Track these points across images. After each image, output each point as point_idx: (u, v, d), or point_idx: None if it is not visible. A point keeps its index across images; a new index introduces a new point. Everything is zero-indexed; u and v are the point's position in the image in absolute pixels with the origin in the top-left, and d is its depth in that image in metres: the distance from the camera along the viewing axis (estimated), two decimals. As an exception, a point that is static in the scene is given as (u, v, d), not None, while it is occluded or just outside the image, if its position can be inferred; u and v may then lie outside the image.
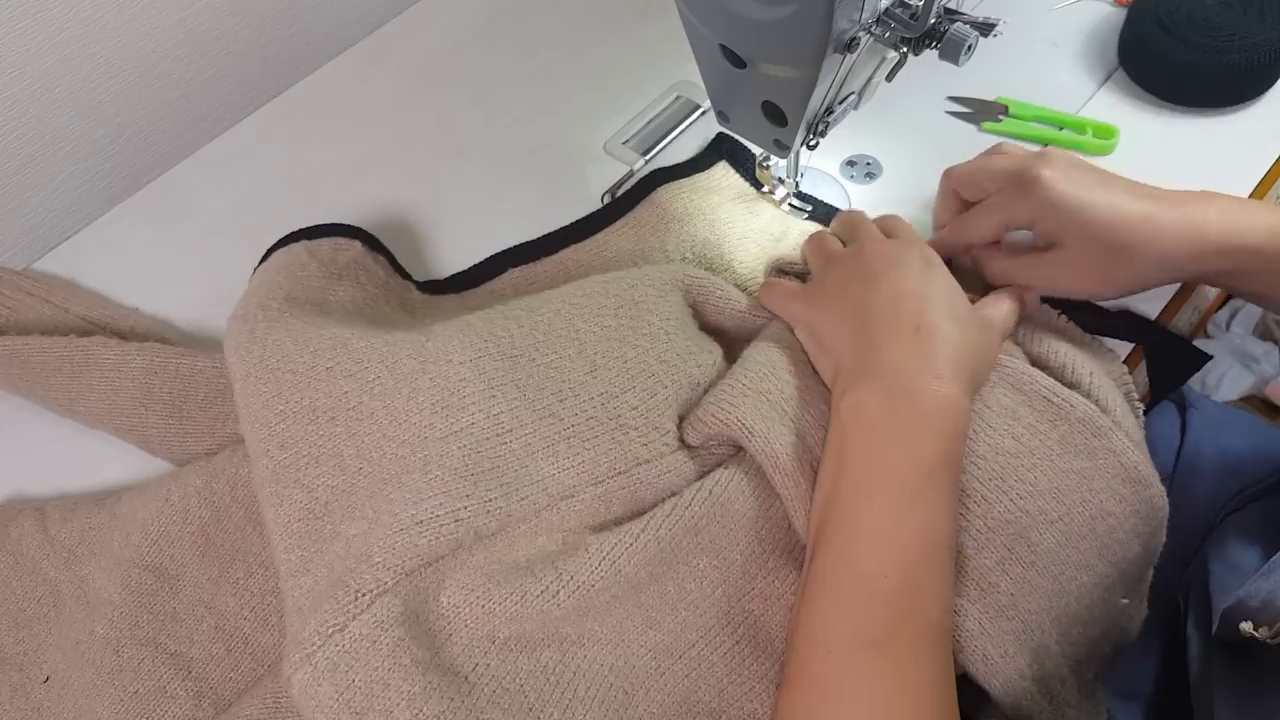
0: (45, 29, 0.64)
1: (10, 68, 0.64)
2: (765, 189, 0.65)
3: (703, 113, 0.71)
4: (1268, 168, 0.63)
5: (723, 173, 0.67)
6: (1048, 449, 0.47)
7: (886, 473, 0.43)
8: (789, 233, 0.62)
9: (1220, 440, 0.67)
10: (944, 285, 0.49)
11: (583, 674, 0.44)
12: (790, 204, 0.64)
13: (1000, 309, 0.52)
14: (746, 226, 0.63)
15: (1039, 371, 0.50)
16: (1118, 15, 0.71)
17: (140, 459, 0.58)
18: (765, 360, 0.51)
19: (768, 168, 0.63)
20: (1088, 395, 0.49)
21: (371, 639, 0.41)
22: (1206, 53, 0.63)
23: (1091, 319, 0.55)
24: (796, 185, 0.63)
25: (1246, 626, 0.48)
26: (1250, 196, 0.62)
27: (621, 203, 0.66)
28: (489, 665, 0.42)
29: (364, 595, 0.41)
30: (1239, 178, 0.62)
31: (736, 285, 0.58)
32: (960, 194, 0.56)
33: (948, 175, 0.57)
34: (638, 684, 0.44)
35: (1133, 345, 0.56)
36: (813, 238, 0.57)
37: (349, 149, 0.73)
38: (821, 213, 0.63)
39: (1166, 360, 0.56)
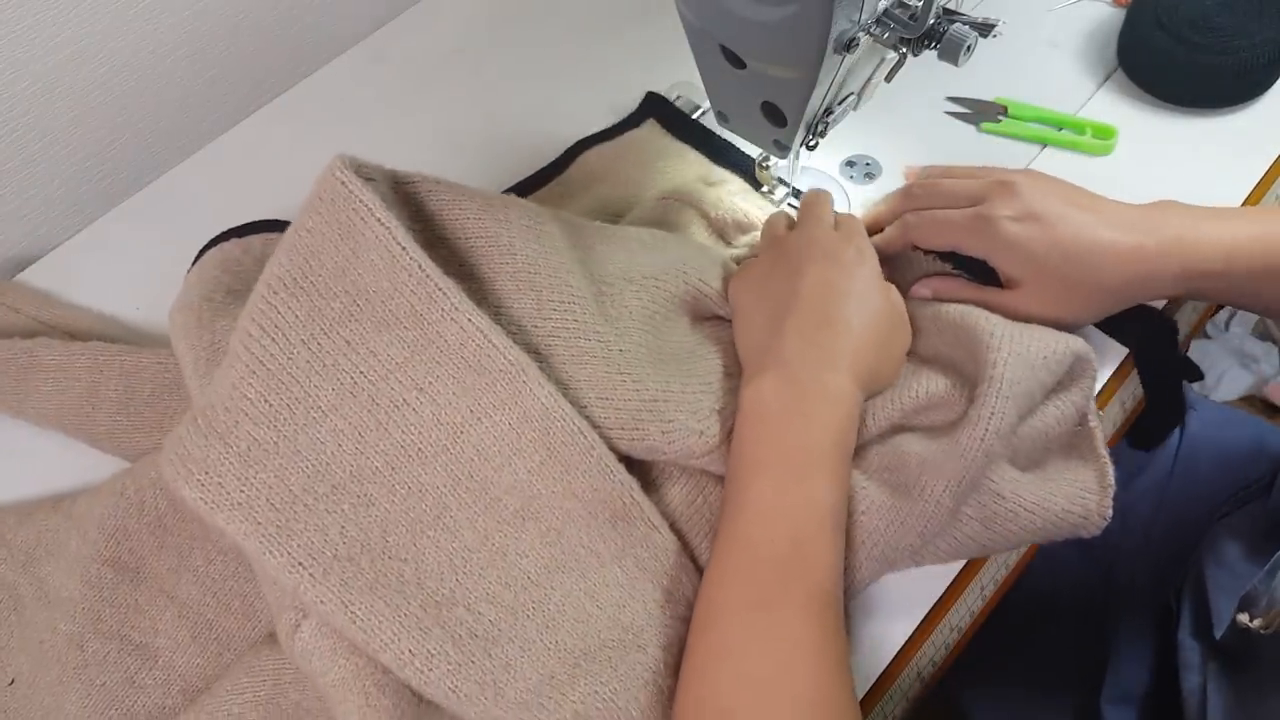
0: (45, 29, 0.64)
1: (10, 68, 0.64)
2: (765, 189, 0.65)
3: (703, 113, 0.71)
4: (1267, 168, 0.63)
5: (649, 130, 0.69)
6: None
7: (776, 453, 0.45)
8: (724, 183, 0.63)
9: (1218, 442, 0.67)
10: (866, 280, 0.50)
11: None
12: (790, 204, 0.64)
13: (893, 290, 0.52)
14: (678, 175, 0.64)
15: None
16: (1117, 15, 0.71)
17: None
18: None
19: (767, 168, 0.63)
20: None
21: None
22: (1206, 53, 0.63)
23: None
24: (796, 185, 0.63)
25: (1243, 618, 0.49)
26: (1248, 197, 0.62)
27: (550, 169, 0.68)
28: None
29: None
30: (1238, 178, 0.63)
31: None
32: (919, 202, 0.56)
33: (912, 179, 0.59)
34: None
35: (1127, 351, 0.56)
36: (768, 219, 0.58)
37: (349, 149, 0.73)
38: (821, 213, 0.63)
39: (1159, 366, 0.56)
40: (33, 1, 0.63)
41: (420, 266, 0.43)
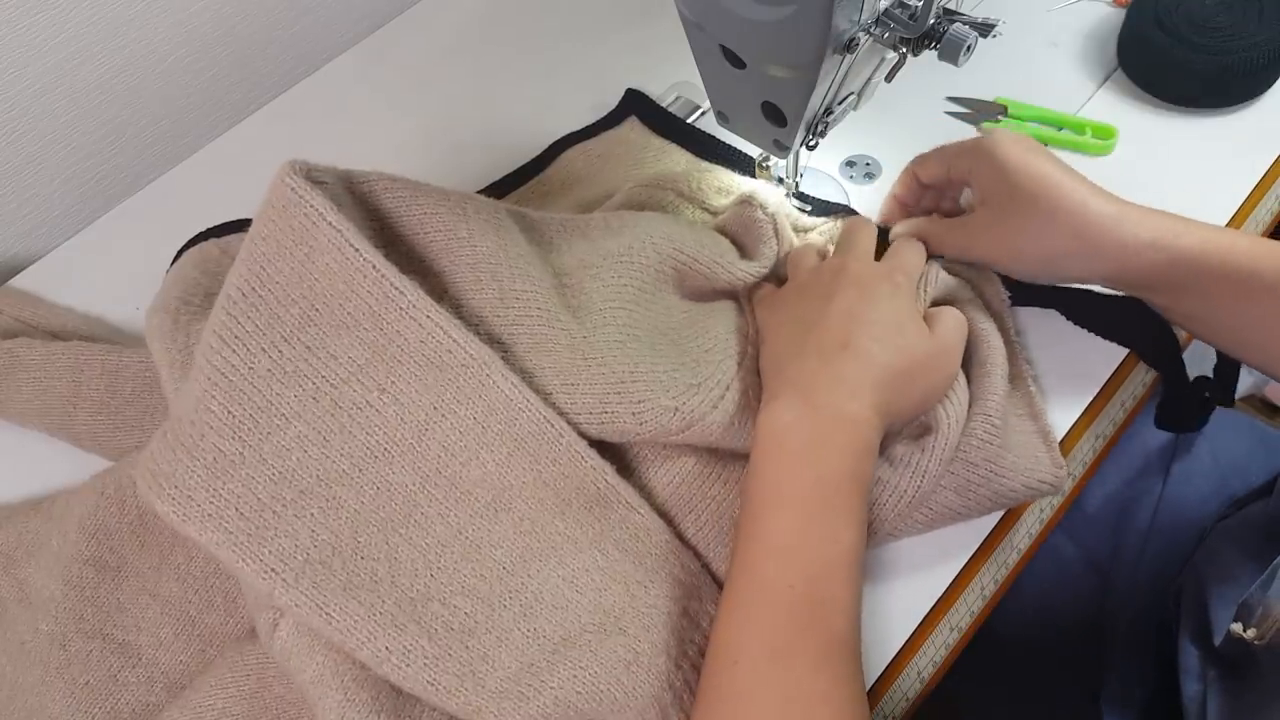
0: (46, 29, 0.64)
1: (10, 68, 0.64)
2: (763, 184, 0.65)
3: (703, 113, 0.71)
4: (1267, 168, 0.63)
5: (629, 128, 0.69)
6: None
7: (792, 486, 0.44)
8: (705, 179, 0.63)
9: (1216, 445, 0.67)
10: (898, 313, 0.49)
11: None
12: (793, 203, 0.64)
13: (945, 321, 0.51)
14: (663, 171, 0.64)
15: None
16: (1117, 15, 0.71)
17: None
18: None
19: (768, 168, 0.63)
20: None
21: None
22: (1206, 53, 0.63)
23: (1092, 315, 0.55)
24: (796, 185, 0.63)
25: (1237, 628, 0.49)
26: (1248, 197, 0.62)
27: (530, 167, 0.68)
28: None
29: None
30: (1238, 178, 0.63)
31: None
32: (918, 172, 0.57)
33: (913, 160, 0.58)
34: None
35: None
36: (797, 249, 0.57)
37: (349, 149, 0.73)
38: (821, 212, 0.63)
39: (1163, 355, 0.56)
40: (33, 1, 0.63)
41: (374, 266, 0.43)
